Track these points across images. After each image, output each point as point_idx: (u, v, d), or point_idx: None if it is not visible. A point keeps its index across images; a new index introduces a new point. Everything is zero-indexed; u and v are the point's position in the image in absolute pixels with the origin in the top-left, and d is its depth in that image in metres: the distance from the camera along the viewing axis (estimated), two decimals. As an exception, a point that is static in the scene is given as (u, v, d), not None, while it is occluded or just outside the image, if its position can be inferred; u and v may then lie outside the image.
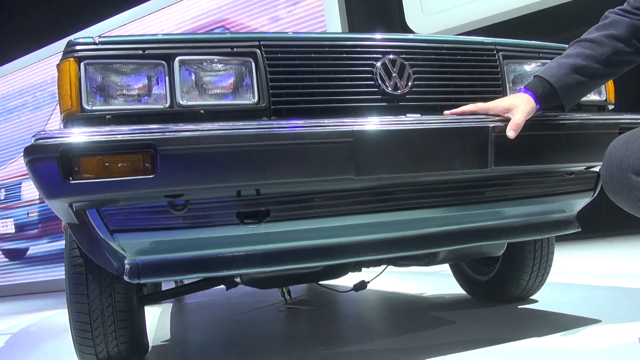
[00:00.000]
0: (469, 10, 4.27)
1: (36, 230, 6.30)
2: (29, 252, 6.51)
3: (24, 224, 6.37)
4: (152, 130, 1.05)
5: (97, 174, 1.02)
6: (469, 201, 1.36)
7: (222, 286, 1.83)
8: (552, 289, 2.16)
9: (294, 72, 1.24)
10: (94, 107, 1.13)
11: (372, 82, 1.29)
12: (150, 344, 1.88)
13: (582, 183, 1.51)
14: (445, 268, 2.34)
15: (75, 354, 1.55)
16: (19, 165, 6.32)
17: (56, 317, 3.46)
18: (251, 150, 1.08)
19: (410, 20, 4.56)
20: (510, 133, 1.22)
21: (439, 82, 1.36)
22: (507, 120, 1.24)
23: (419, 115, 1.27)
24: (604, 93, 1.54)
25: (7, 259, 6.70)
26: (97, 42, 1.15)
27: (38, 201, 6.11)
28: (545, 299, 2.01)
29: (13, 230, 6.48)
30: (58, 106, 1.19)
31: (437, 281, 2.96)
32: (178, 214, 1.15)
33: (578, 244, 3.73)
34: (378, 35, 1.34)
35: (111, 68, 1.15)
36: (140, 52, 1.16)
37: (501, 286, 1.98)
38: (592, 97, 1.52)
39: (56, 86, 1.17)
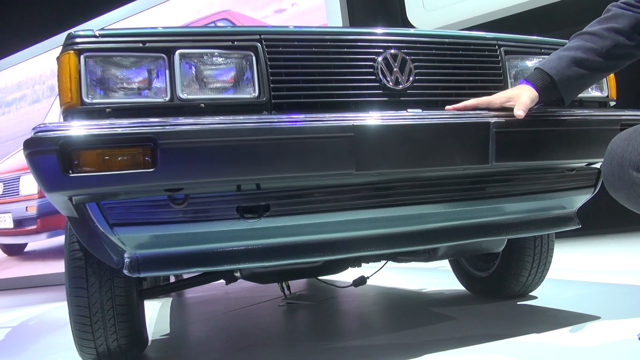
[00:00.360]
0: (470, 6, 4.26)
1: (35, 226, 6.27)
2: (27, 248, 6.51)
3: (22, 219, 6.33)
4: (152, 124, 1.04)
5: (97, 167, 1.02)
6: (469, 197, 1.36)
7: (222, 281, 1.83)
8: (552, 286, 2.16)
9: (294, 66, 1.24)
10: (94, 100, 1.13)
11: (373, 77, 1.28)
12: (150, 338, 1.88)
13: (582, 179, 1.51)
14: (445, 264, 2.35)
15: (75, 347, 1.55)
16: (18, 159, 6.29)
17: (56, 310, 3.46)
18: (251, 145, 1.08)
19: (411, 15, 4.55)
20: (520, 112, 1.22)
21: (441, 77, 1.35)
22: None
23: (420, 110, 1.27)
24: (605, 89, 1.54)
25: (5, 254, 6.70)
26: (97, 34, 1.14)
27: (37, 196, 6.08)
28: (544, 295, 2.01)
29: (11, 225, 6.45)
30: (57, 99, 1.19)
31: (436, 277, 2.96)
32: (178, 208, 1.15)
33: (578, 241, 3.74)
34: (379, 30, 1.34)
35: (111, 61, 1.15)
36: (141, 45, 1.15)
37: (501, 282, 1.98)
38: (594, 93, 1.51)
39: (55, 79, 1.17)
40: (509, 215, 1.45)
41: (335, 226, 1.28)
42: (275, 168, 1.10)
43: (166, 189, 1.10)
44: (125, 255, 1.21)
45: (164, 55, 1.16)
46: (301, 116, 1.13)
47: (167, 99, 1.16)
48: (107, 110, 1.13)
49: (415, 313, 2.02)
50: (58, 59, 1.15)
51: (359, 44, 1.30)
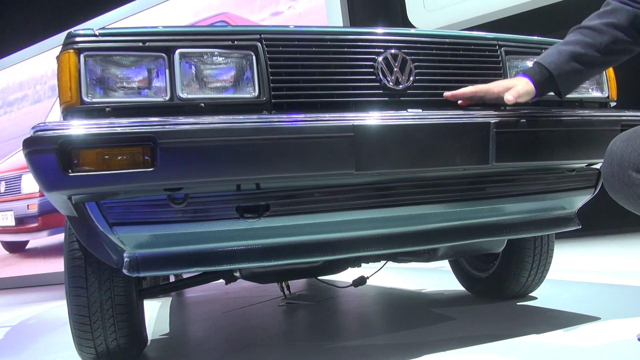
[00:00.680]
0: (470, 6, 4.26)
1: (36, 224, 6.30)
2: (28, 245, 6.54)
3: (23, 217, 6.37)
4: (152, 123, 1.04)
5: (96, 166, 1.02)
6: (469, 197, 1.35)
7: (222, 280, 1.83)
8: (552, 286, 2.16)
9: (295, 66, 1.24)
10: (94, 100, 1.13)
11: (374, 77, 1.28)
12: (150, 338, 1.88)
13: (583, 180, 1.51)
14: (445, 264, 2.34)
15: (74, 347, 1.55)
16: (19, 158, 6.30)
17: (55, 310, 3.46)
18: (251, 144, 1.08)
19: (412, 16, 4.55)
20: (509, 97, 1.23)
21: (441, 77, 1.35)
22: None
23: (421, 110, 1.27)
24: (606, 90, 1.53)
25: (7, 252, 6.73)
26: (97, 33, 1.14)
27: (38, 194, 6.11)
28: (544, 296, 2.01)
29: (13, 223, 6.48)
30: (58, 98, 1.19)
31: (436, 277, 2.96)
32: (177, 208, 1.15)
33: (578, 241, 3.74)
34: (380, 30, 1.33)
35: (111, 60, 1.15)
36: (141, 44, 1.15)
37: (500, 283, 1.97)
38: (594, 93, 1.51)
39: (56, 79, 1.16)
40: (509, 215, 1.45)
41: (335, 226, 1.28)
42: (275, 168, 1.10)
43: (166, 189, 1.10)
44: (125, 254, 1.21)
45: (164, 55, 1.16)
46: (301, 116, 1.13)
47: (167, 98, 1.16)
48: (107, 109, 1.13)
49: (415, 313, 2.02)
50: (58, 58, 1.15)
51: (359, 43, 1.30)
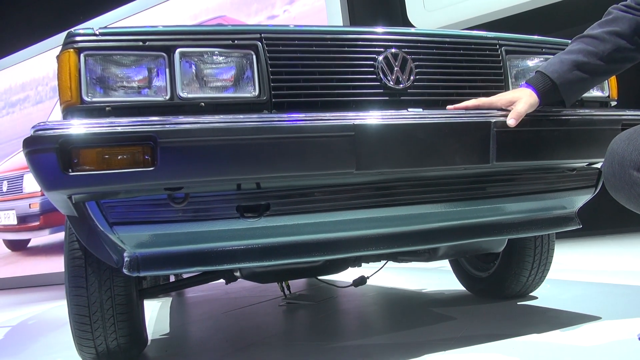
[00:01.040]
0: (470, 6, 4.25)
1: (37, 222, 6.36)
2: (30, 244, 6.59)
3: (25, 216, 6.43)
4: (152, 123, 1.04)
5: (96, 166, 1.01)
6: (470, 197, 1.35)
7: (222, 280, 1.83)
8: (552, 286, 2.15)
9: (295, 65, 1.24)
10: (94, 99, 1.12)
11: (374, 76, 1.28)
12: (150, 338, 1.88)
13: (583, 180, 1.50)
14: (445, 264, 2.34)
15: (75, 347, 1.55)
16: (22, 158, 6.32)
17: (56, 309, 3.46)
18: (252, 144, 1.07)
19: (412, 15, 4.55)
20: (511, 122, 1.22)
21: (441, 77, 1.35)
22: (510, 112, 1.24)
23: (421, 109, 1.27)
24: (606, 89, 1.53)
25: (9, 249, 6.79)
26: (97, 33, 1.14)
27: (40, 193, 6.14)
28: (545, 295, 2.01)
29: (15, 222, 6.53)
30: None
31: (436, 277, 2.96)
32: (178, 207, 1.14)
33: (578, 241, 3.74)
34: (380, 29, 1.33)
35: (111, 59, 1.14)
36: (141, 43, 1.15)
37: (501, 282, 1.97)
38: (595, 93, 1.51)
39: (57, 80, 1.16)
40: (509, 215, 1.45)
41: (336, 226, 1.28)
42: (275, 167, 1.10)
43: (166, 188, 1.10)
44: (125, 254, 1.21)
45: (164, 54, 1.16)
46: (301, 115, 1.13)
47: (167, 97, 1.16)
48: (107, 108, 1.12)
49: (415, 313, 2.02)
50: (58, 57, 1.15)
51: (360, 43, 1.29)
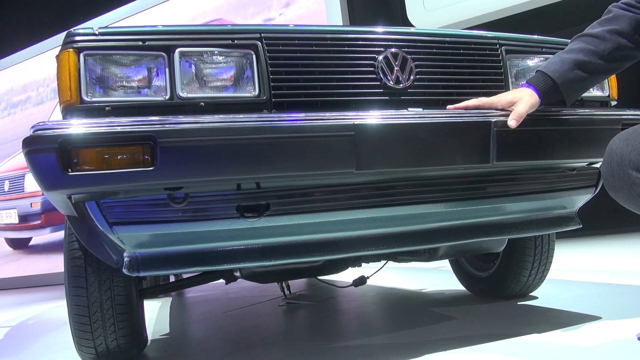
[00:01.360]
0: (470, 6, 4.25)
1: (39, 221, 6.41)
2: (31, 242, 6.66)
3: (27, 215, 6.48)
4: (152, 122, 1.04)
5: (96, 165, 1.01)
6: (470, 196, 1.35)
7: (222, 280, 1.83)
8: (552, 286, 2.15)
9: (295, 65, 1.23)
10: (94, 99, 1.12)
11: (374, 76, 1.28)
12: (150, 338, 1.88)
13: (583, 179, 1.50)
14: (445, 264, 2.34)
15: (74, 347, 1.55)
16: (23, 158, 6.35)
17: (56, 309, 3.46)
18: (251, 143, 1.07)
19: (411, 16, 4.55)
20: (512, 122, 1.22)
21: (441, 77, 1.35)
22: (510, 112, 1.24)
23: (421, 109, 1.27)
24: (606, 89, 1.53)
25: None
26: (97, 32, 1.14)
27: (41, 192, 6.17)
28: (545, 295, 2.00)
29: (17, 221, 6.58)
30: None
31: (436, 277, 2.96)
32: (178, 207, 1.14)
33: (578, 241, 3.74)
34: (380, 29, 1.33)
35: (111, 59, 1.14)
36: (140, 43, 1.15)
37: (501, 282, 1.97)
38: (595, 92, 1.51)
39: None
40: (509, 215, 1.45)
41: (336, 225, 1.27)
42: (275, 167, 1.10)
43: (166, 188, 1.10)
44: (125, 254, 1.21)
45: (163, 54, 1.16)
46: (301, 115, 1.13)
47: (167, 97, 1.15)
48: (107, 108, 1.12)
49: (415, 313, 2.01)
50: (57, 57, 1.15)
51: (360, 42, 1.29)
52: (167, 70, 1.16)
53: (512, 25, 3.96)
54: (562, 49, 1.34)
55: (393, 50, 1.30)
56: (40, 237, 6.54)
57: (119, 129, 1.02)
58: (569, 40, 1.36)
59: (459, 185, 1.33)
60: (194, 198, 1.15)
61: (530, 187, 1.42)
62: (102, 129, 1.02)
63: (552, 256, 1.92)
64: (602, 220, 3.54)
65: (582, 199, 1.55)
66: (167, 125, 1.04)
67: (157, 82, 1.16)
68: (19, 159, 6.53)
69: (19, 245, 6.81)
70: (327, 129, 1.12)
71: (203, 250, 1.23)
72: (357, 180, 1.23)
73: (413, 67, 1.31)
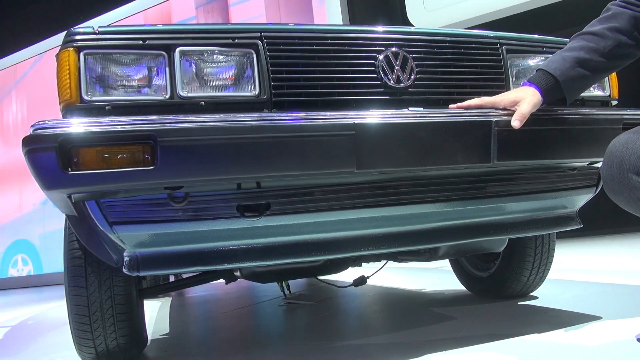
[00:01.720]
0: (470, 6, 4.26)
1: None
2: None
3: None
4: (152, 121, 1.03)
5: (96, 165, 1.01)
6: (471, 196, 1.35)
7: (222, 280, 1.83)
8: (553, 286, 2.15)
9: (295, 64, 1.23)
10: (94, 98, 1.12)
11: (375, 75, 1.28)
12: (150, 338, 1.88)
13: (584, 179, 1.50)
14: (445, 264, 2.34)
15: (74, 347, 1.54)
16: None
17: (56, 309, 3.46)
18: (252, 143, 1.07)
19: (411, 15, 4.56)
20: (516, 123, 1.21)
21: (442, 76, 1.34)
22: (512, 111, 1.24)
23: (422, 108, 1.26)
24: (607, 88, 1.53)
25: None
26: (97, 32, 1.13)
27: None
28: (545, 295, 2.00)
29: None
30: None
31: (437, 277, 2.96)
32: (178, 207, 1.14)
33: (578, 241, 3.74)
34: (381, 28, 1.33)
35: (111, 58, 1.14)
36: (141, 42, 1.15)
37: (501, 282, 1.97)
38: (596, 92, 1.51)
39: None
40: (510, 214, 1.45)
41: (336, 225, 1.27)
42: (275, 166, 1.09)
43: (166, 187, 1.10)
44: (125, 254, 1.21)
45: (164, 53, 1.16)
46: (302, 114, 1.13)
47: (167, 96, 1.15)
48: (107, 107, 1.12)
49: (415, 313, 2.01)
50: (57, 56, 1.14)
51: (360, 42, 1.29)
52: (167, 69, 1.15)
53: (512, 25, 3.96)
54: (563, 48, 1.34)
55: (394, 49, 1.30)
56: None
57: (119, 128, 1.02)
58: (569, 40, 1.36)
59: (459, 184, 1.33)
60: (194, 197, 1.15)
61: (531, 186, 1.42)
62: (102, 128, 1.02)
63: (553, 256, 1.92)
64: (602, 220, 3.55)
65: (582, 198, 1.55)
66: (168, 125, 1.04)
67: (158, 81, 1.16)
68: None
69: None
70: (328, 128, 1.12)
71: (203, 250, 1.23)
72: (358, 179, 1.22)
73: (414, 66, 1.31)
